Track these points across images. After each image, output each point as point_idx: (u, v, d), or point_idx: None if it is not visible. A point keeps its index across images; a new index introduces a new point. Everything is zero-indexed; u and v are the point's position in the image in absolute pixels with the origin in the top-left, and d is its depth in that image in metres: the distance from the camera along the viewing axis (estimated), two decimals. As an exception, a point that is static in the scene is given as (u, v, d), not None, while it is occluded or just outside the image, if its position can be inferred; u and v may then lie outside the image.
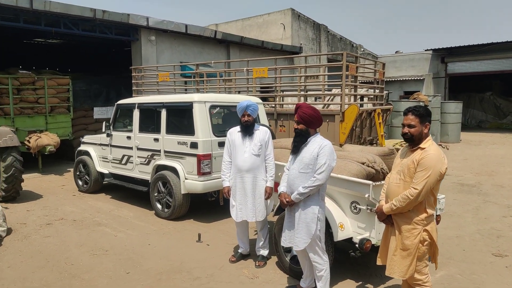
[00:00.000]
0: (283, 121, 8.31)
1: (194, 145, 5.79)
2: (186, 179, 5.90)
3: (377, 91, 9.17)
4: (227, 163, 4.46)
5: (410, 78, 22.60)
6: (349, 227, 3.90)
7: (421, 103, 14.47)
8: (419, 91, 18.39)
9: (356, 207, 3.85)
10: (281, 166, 4.54)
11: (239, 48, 16.03)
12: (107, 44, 14.42)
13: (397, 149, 4.76)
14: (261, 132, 4.37)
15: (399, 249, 3.00)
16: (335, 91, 10.13)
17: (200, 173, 5.72)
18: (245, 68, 8.95)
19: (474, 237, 5.45)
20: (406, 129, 3.01)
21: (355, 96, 8.02)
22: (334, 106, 9.00)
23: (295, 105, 3.78)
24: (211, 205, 6.65)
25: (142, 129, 6.76)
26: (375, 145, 8.78)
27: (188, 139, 5.87)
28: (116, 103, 7.54)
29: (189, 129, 5.90)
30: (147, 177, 6.59)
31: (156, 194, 6.35)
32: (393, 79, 22.56)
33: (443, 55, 22.60)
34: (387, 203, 3.06)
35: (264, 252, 4.54)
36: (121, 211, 6.72)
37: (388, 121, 13.48)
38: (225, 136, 6.03)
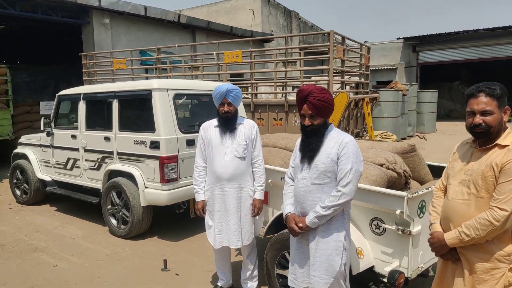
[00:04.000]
0: (261, 113, 7.20)
1: (155, 145, 4.57)
2: (146, 187, 4.68)
3: (362, 78, 8.23)
4: (201, 169, 3.31)
5: (382, 68, 22.11)
6: (369, 253, 2.87)
7: (400, 93, 13.81)
8: (395, 81, 17.80)
9: (379, 227, 2.82)
10: (273, 171, 3.45)
11: (206, 34, 14.70)
12: (54, 28, 12.69)
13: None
14: (247, 127, 3.25)
15: (471, 299, 1.99)
16: (314, 79, 9.17)
17: (164, 180, 4.52)
18: (215, 52, 7.73)
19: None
20: (479, 119, 1.97)
21: (342, 83, 7.03)
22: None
23: (294, 92, 2.69)
24: (179, 218, 5.46)
25: (90, 125, 5.45)
26: (362, 138, 7.89)
27: (148, 137, 4.64)
28: (57, 95, 6.17)
29: (148, 125, 4.67)
30: (98, 185, 5.31)
31: (109, 206, 5.10)
32: (365, 69, 21.95)
33: (414, 44, 22.24)
34: (452, 230, 2.03)
35: (253, 285, 3.43)
36: (67, 228, 5.40)
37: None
38: (196, 132, 4.89)
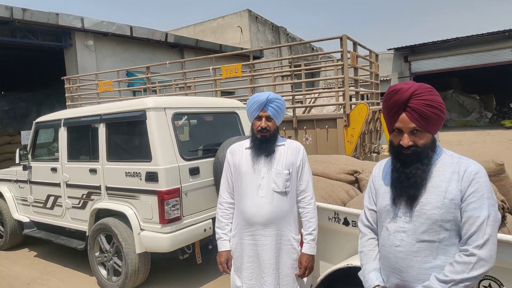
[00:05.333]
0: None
1: (152, 177, 3.74)
2: (142, 230, 3.82)
3: (373, 88, 7.55)
4: (227, 207, 2.46)
5: (376, 79, 21.65)
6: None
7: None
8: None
9: None
10: (326, 210, 2.61)
11: (195, 53, 14.05)
12: (35, 52, 11.90)
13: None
14: (289, 150, 2.40)
15: None
16: (314, 95, 8.49)
17: (165, 220, 3.66)
18: (211, 67, 7.00)
19: None
20: None
21: (357, 94, 6.31)
22: (328, 109, 7.29)
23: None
24: (183, 265, 4.57)
25: (73, 156, 4.61)
26: (375, 154, 7.15)
27: (143, 167, 3.81)
28: (34, 122, 5.34)
29: (142, 152, 3.85)
30: (84, 226, 4.43)
31: (97, 253, 4.20)
32: (358, 81, 21.50)
33: (405, 54, 21.95)
34: None
35: None
36: (48, 280, 4.49)
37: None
38: (199, 159, 4.10)
